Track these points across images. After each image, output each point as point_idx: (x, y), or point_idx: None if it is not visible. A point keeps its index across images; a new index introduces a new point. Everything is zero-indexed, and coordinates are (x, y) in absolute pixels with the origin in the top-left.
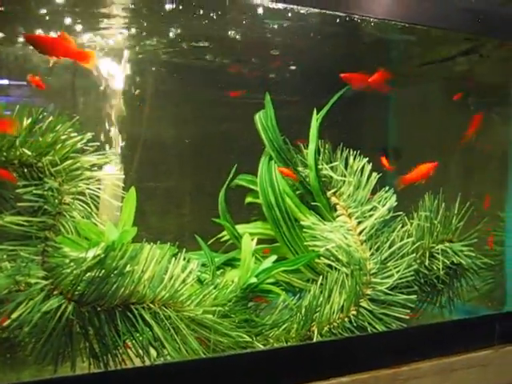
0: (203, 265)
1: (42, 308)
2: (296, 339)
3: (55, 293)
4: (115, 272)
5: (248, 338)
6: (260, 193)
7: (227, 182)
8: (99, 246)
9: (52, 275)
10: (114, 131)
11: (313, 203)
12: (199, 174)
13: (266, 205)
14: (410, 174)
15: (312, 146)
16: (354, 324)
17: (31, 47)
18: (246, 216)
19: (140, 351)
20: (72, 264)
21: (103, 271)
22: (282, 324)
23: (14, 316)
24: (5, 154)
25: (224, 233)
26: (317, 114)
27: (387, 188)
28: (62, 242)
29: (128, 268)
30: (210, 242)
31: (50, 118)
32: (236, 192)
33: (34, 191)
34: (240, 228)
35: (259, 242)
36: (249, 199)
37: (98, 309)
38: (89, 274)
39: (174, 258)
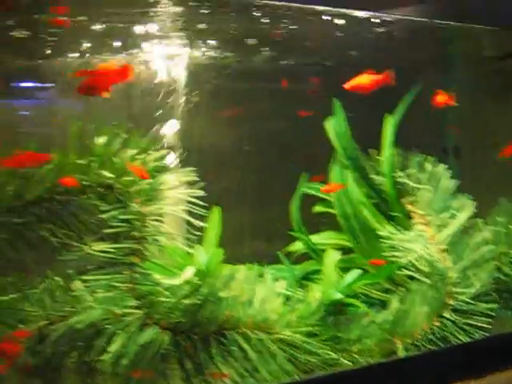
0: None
1: (139, 340)
2: (379, 353)
3: (148, 322)
4: (211, 298)
5: (334, 355)
6: (335, 203)
7: (298, 191)
8: (189, 270)
9: (144, 304)
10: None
11: (389, 212)
12: (266, 183)
13: (342, 215)
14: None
15: (387, 152)
16: (438, 335)
17: None
18: (312, 225)
19: (236, 377)
20: (166, 292)
21: (199, 298)
22: (366, 338)
23: (112, 349)
24: (83, 176)
25: (297, 245)
26: (387, 118)
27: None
28: (149, 267)
29: (223, 293)
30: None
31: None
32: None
33: (119, 215)
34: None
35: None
36: (319, 208)
37: (194, 337)
38: (185, 301)
39: (261, 278)
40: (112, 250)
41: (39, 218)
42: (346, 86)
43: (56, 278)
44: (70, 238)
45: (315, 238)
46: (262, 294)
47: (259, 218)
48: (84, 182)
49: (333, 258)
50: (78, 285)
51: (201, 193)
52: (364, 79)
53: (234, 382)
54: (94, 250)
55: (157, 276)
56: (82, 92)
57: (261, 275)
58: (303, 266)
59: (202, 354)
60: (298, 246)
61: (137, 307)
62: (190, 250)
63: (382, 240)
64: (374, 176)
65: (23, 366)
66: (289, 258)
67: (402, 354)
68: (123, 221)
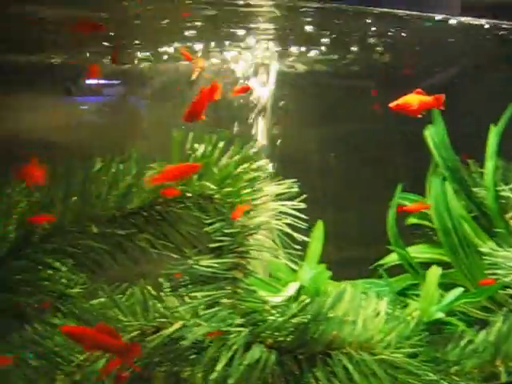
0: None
1: (245, 359)
2: (479, 376)
3: (253, 340)
4: (320, 318)
5: (434, 377)
6: (434, 216)
7: (394, 202)
8: (293, 286)
9: (249, 321)
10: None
11: (491, 228)
12: (359, 194)
13: (441, 229)
14: None
15: (490, 163)
16: None
17: None
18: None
19: None
20: (273, 310)
21: (308, 317)
22: (465, 360)
23: (218, 368)
24: (183, 187)
25: (387, 258)
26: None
27: None
28: (253, 283)
29: (332, 312)
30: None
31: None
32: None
33: (222, 228)
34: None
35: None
36: (412, 220)
37: (300, 357)
38: (292, 320)
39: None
40: (215, 265)
41: (138, 228)
42: (392, 105)
43: (149, 289)
44: (170, 249)
45: (409, 251)
46: (366, 312)
47: (353, 229)
48: (185, 193)
49: (436, 275)
50: (174, 299)
51: (303, 205)
52: (412, 99)
53: None
54: (199, 264)
55: (262, 293)
56: (187, 120)
57: (364, 292)
58: (398, 280)
59: (307, 374)
60: (392, 259)
61: (241, 325)
62: (292, 265)
63: (483, 256)
64: (475, 189)
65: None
66: (378, 270)
67: (504, 378)
68: (226, 234)
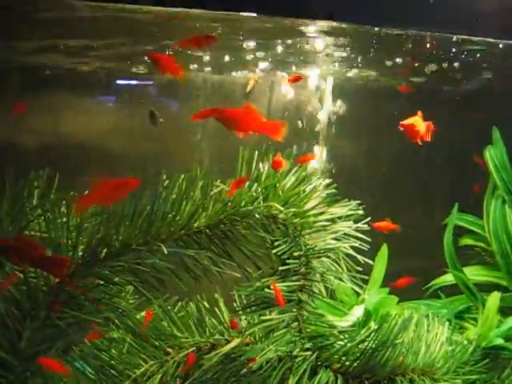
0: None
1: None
2: None
3: (319, 364)
4: (387, 344)
5: None
6: (492, 239)
7: (450, 223)
8: (358, 310)
9: (315, 345)
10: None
11: None
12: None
13: (499, 252)
14: None
15: None
16: None
17: None
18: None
19: None
20: (341, 335)
21: (375, 343)
22: None
23: None
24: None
25: (442, 279)
26: None
27: None
28: (320, 306)
29: (399, 338)
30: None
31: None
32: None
33: (288, 249)
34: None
35: None
36: (467, 241)
37: (365, 382)
38: (360, 346)
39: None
40: (281, 286)
41: (202, 246)
42: (402, 124)
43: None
44: (233, 268)
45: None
46: (428, 337)
47: (408, 249)
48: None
49: (497, 300)
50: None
51: (367, 227)
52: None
53: None
54: (266, 286)
55: (329, 317)
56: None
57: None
58: (453, 301)
59: None
60: (446, 279)
61: (308, 348)
62: (357, 288)
63: None
64: None
65: None
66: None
67: None
68: (292, 255)
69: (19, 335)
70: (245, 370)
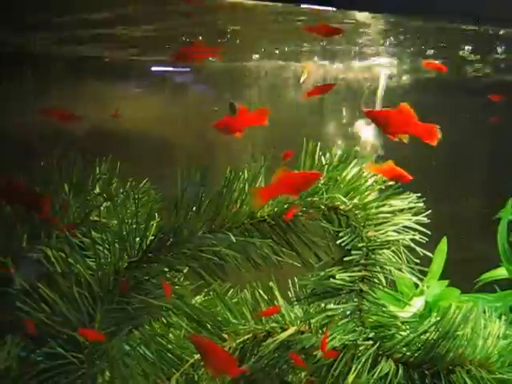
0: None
1: (375, 374)
2: None
3: (380, 353)
4: (449, 335)
5: None
6: None
7: (504, 218)
8: (418, 302)
9: (377, 335)
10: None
11: None
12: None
13: None
14: None
15: None
16: None
17: None
18: None
19: None
20: (403, 326)
21: (437, 334)
22: None
23: (349, 380)
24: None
25: (495, 272)
26: None
27: None
28: (381, 297)
29: (460, 330)
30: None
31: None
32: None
33: (351, 241)
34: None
35: None
36: None
37: (426, 372)
38: (423, 336)
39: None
40: (344, 277)
41: (263, 235)
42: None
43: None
44: (293, 258)
45: None
46: (486, 330)
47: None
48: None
49: None
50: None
51: (426, 220)
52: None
53: None
54: (330, 276)
55: (391, 307)
56: (217, 129)
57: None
58: (507, 295)
59: None
60: (499, 273)
61: (369, 338)
62: (416, 280)
63: None
64: None
65: None
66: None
67: None
68: (354, 246)
69: (91, 318)
70: (318, 353)
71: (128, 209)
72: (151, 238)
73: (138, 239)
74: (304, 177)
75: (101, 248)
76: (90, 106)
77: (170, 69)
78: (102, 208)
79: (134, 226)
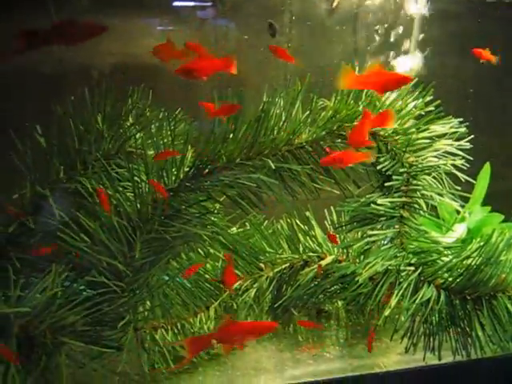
0: None
1: (418, 297)
2: None
3: (422, 279)
4: (491, 261)
5: None
6: None
7: None
8: (460, 227)
9: (419, 261)
10: None
11: None
12: None
13: None
14: None
15: None
16: None
17: None
18: None
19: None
20: (446, 251)
21: (479, 260)
22: None
23: (392, 304)
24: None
25: None
26: None
27: None
28: (423, 223)
29: (503, 256)
30: None
31: None
32: None
33: (391, 167)
34: None
35: None
36: None
37: (467, 297)
38: (465, 262)
39: None
40: (385, 203)
41: (301, 162)
42: None
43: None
44: (331, 186)
45: None
46: None
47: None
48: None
49: None
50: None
51: (468, 146)
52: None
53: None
54: (372, 202)
55: (432, 233)
56: (179, 73)
57: None
58: None
59: (473, 314)
60: None
61: (411, 264)
62: (457, 207)
63: None
64: None
65: None
66: None
67: None
68: (394, 172)
69: (130, 247)
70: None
71: (164, 138)
72: (188, 166)
73: (174, 168)
74: (395, 78)
75: (138, 178)
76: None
77: (192, 3)
78: (136, 138)
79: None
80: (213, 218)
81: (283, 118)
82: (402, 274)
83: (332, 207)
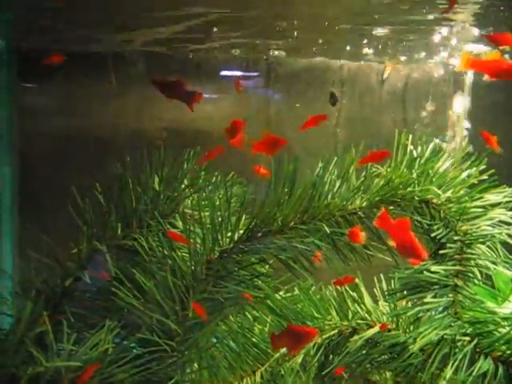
0: None
1: (474, 370)
2: None
3: (478, 351)
4: None
5: None
6: None
7: None
8: None
9: (475, 331)
10: None
11: None
12: None
13: None
14: None
15: None
16: None
17: None
18: None
19: None
20: (503, 322)
21: None
22: None
23: (446, 375)
24: (403, 190)
25: None
26: None
27: None
28: (478, 292)
29: None
30: None
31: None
32: None
33: (446, 234)
34: None
35: None
36: None
37: None
38: None
39: None
40: (439, 271)
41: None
42: None
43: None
44: (383, 253)
45: None
46: None
47: None
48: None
49: None
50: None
51: None
52: None
53: None
54: (426, 270)
55: (489, 303)
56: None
57: None
58: None
59: None
60: None
61: (466, 334)
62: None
63: None
64: None
65: None
66: None
67: None
68: (448, 240)
69: (183, 306)
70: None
71: (219, 200)
72: (242, 228)
73: (229, 230)
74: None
75: (192, 238)
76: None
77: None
78: (190, 200)
79: (226, 216)
80: (261, 282)
81: (337, 185)
82: (458, 344)
83: (382, 274)
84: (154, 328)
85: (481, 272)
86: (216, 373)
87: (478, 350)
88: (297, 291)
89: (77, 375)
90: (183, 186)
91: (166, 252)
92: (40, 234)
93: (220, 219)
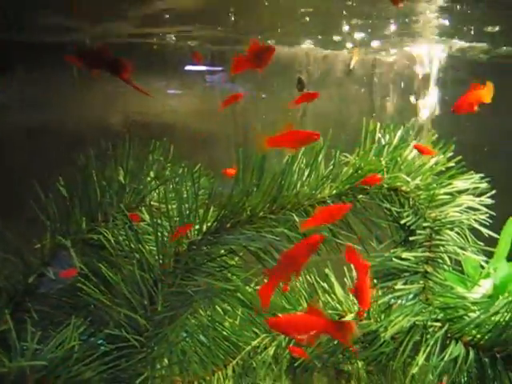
0: None
1: (445, 355)
2: None
3: (449, 336)
4: None
5: None
6: None
7: None
8: (486, 283)
9: (445, 317)
10: None
11: None
12: None
13: None
14: None
15: None
16: None
17: None
18: None
19: None
20: (473, 307)
21: (509, 316)
22: None
23: (418, 362)
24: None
25: None
26: None
27: None
28: (447, 278)
29: None
30: None
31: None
32: None
33: (415, 221)
34: None
35: None
36: None
37: (497, 355)
38: (493, 318)
39: None
40: (409, 257)
41: None
42: None
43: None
44: (352, 241)
45: None
46: None
47: None
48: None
49: None
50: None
51: (490, 201)
52: None
53: None
54: (396, 257)
55: (459, 289)
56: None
57: None
58: None
59: (503, 373)
60: None
61: (437, 320)
62: (482, 262)
63: None
64: None
65: None
66: None
67: None
68: (418, 227)
69: (152, 300)
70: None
71: (186, 192)
72: (210, 220)
73: (197, 222)
74: (305, 135)
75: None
76: None
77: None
78: (156, 192)
79: (194, 209)
80: (230, 274)
81: (306, 173)
82: (429, 330)
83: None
84: (122, 323)
85: (450, 258)
86: (187, 368)
87: (449, 335)
88: None
89: (42, 375)
90: (149, 179)
91: (132, 245)
92: (1, 228)
93: (188, 212)
